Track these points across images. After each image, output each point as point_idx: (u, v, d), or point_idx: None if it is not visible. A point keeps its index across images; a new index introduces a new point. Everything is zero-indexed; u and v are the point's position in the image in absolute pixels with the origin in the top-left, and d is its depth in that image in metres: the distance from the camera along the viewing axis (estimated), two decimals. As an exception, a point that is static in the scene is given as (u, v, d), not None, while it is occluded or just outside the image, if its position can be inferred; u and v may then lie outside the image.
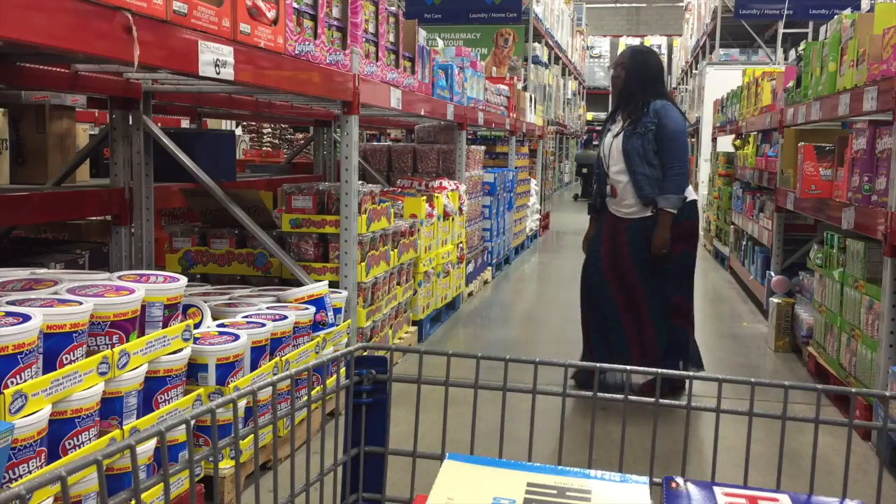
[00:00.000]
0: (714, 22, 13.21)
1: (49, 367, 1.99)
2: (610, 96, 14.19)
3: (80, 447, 2.06)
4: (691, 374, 1.08)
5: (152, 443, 2.26)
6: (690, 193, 4.04)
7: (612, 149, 4.06)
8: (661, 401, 1.09)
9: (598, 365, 1.11)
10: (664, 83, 4.13)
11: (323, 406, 1.18)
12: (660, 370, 1.10)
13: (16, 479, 1.84)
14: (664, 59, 26.54)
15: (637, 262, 3.99)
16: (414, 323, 5.05)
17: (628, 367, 1.11)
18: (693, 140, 16.66)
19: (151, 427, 0.83)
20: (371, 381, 1.14)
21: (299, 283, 3.64)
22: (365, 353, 1.14)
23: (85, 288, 2.24)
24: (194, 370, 2.66)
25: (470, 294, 6.61)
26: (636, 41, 27.21)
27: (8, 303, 2.04)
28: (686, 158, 3.98)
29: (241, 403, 2.51)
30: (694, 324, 4.12)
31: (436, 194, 5.47)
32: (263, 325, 2.97)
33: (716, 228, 9.42)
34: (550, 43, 13.27)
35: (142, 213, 3.73)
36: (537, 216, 10.42)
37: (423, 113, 5.07)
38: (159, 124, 4.07)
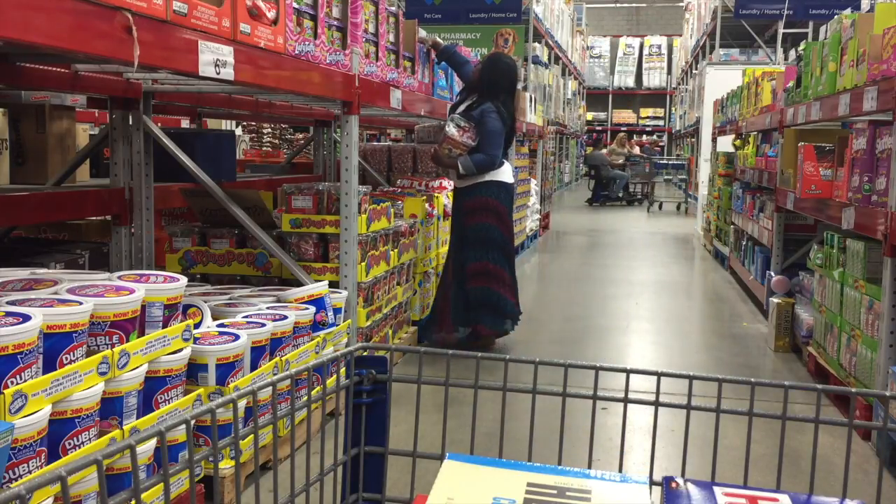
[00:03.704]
0: (714, 22, 13.21)
1: (49, 367, 1.99)
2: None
3: (80, 447, 2.06)
4: (691, 374, 1.08)
5: (152, 443, 2.27)
6: (498, 175, 4.68)
7: None
8: (660, 401, 1.10)
9: (597, 366, 1.11)
10: (502, 89, 4.78)
11: (323, 406, 1.18)
12: (660, 370, 1.10)
13: (16, 479, 1.84)
14: (664, 59, 26.60)
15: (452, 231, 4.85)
16: (414, 323, 5.05)
17: (628, 368, 1.11)
18: (693, 140, 16.71)
19: (151, 427, 0.83)
20: (371, 382, 1.14)
21: (299, 283, 3.64)
22: (365, 354, 1.14)
23: (85, 288, 2.24)
24: (194, 370, 2.66)
25: (470, 294, 6.60)
26: (636, 41, 27.23)
27: (8, 303, 2.04)
28: (495, 153, 4.65)
29: (241, 403, 2.51)
30: (505, 284, 4.69)
31: (436, 194, 5.47)
32: (263, 325, 2.97)
33: (716, 228, 9.41)
34: (550, 43, 13.25)
35: (142, 213, 3.74)
36: (537, 216, 10.41)
37: (423, 113, 5.07)
38: (159, 124, 4.07)
